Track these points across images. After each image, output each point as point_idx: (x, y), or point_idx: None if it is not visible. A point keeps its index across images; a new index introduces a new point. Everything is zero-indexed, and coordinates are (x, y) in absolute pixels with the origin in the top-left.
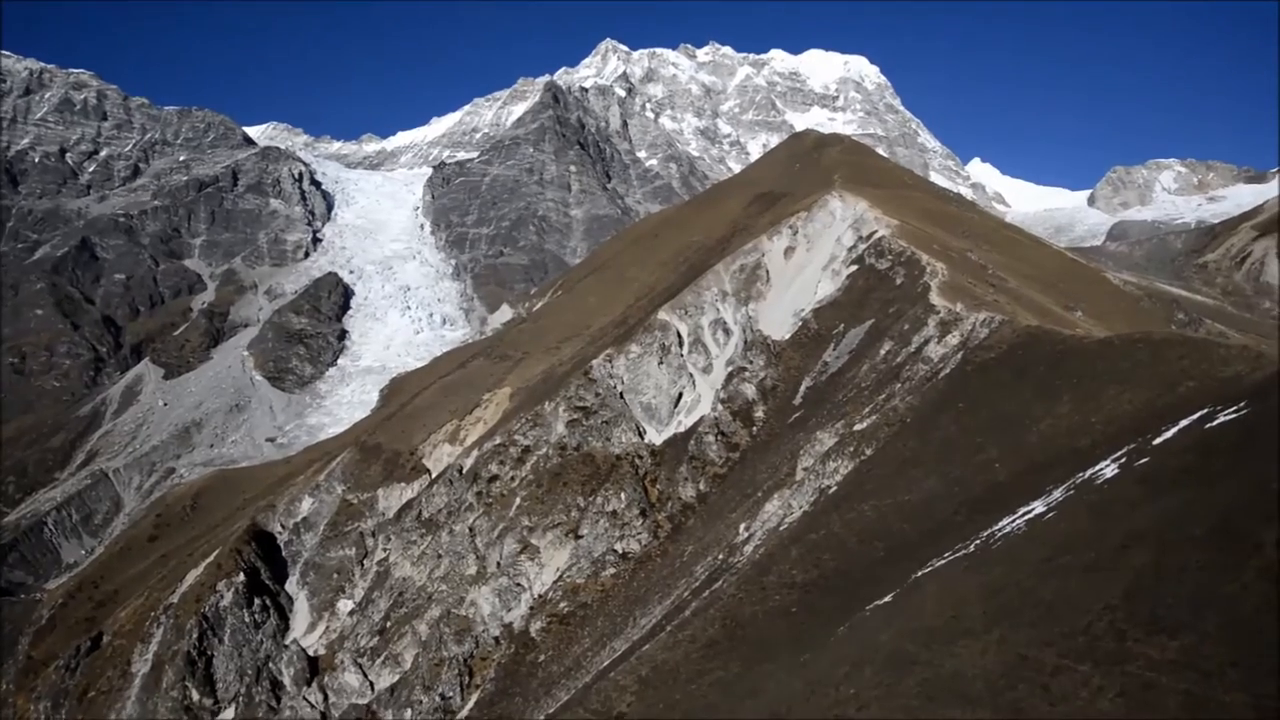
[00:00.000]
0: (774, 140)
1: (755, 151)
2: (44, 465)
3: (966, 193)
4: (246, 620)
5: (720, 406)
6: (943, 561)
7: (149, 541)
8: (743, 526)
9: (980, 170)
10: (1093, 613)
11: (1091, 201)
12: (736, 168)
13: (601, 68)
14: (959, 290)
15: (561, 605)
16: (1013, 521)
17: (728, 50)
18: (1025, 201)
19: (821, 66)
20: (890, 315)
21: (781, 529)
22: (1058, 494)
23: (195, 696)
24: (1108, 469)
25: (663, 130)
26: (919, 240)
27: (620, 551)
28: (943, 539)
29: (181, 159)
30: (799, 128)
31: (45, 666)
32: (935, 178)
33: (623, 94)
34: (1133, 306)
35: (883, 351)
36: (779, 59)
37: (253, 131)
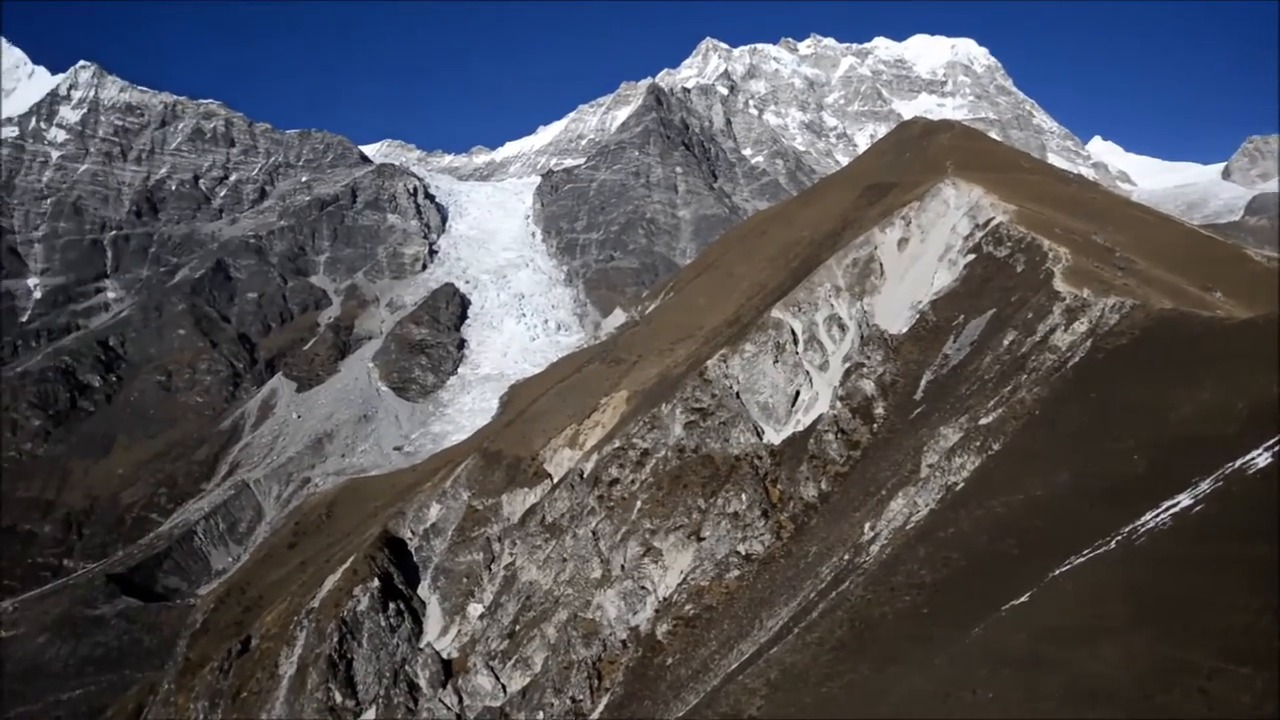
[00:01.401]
0: (881, 130)
1: (862, 143)
2: (191, 477)
3: (1088, 173)
4: (382, 624)
5: (839, 404)
6: (1081, 559)
7: (289, 549)
8: (867, 526)
9: (1102, 149)
10: (1250, 612)
11: (1226, 175)
12: (844, 160)
13: (703, 67)
14: (1085, 275)
15: (687, 608)
16: (1156, 516)
17: (830, 42)
18: (1152, 179)
19: (928, 52)
20: (1012, 304)
21: (908, 528)
22: (1205, 485)
23: (338, 698)
24: (1260, 458)
25: (767, 126)
26: (1039, 225)
27: (743, 553)
28: (1080, 535)
29: (304, 179)
30: (907, 116)
31: (201, 668)
32: (1053, 159)
33: (725, 92)
34: (1277, 284)
35: (1006, 342)
36: (883, 47)
37: (369, 150)
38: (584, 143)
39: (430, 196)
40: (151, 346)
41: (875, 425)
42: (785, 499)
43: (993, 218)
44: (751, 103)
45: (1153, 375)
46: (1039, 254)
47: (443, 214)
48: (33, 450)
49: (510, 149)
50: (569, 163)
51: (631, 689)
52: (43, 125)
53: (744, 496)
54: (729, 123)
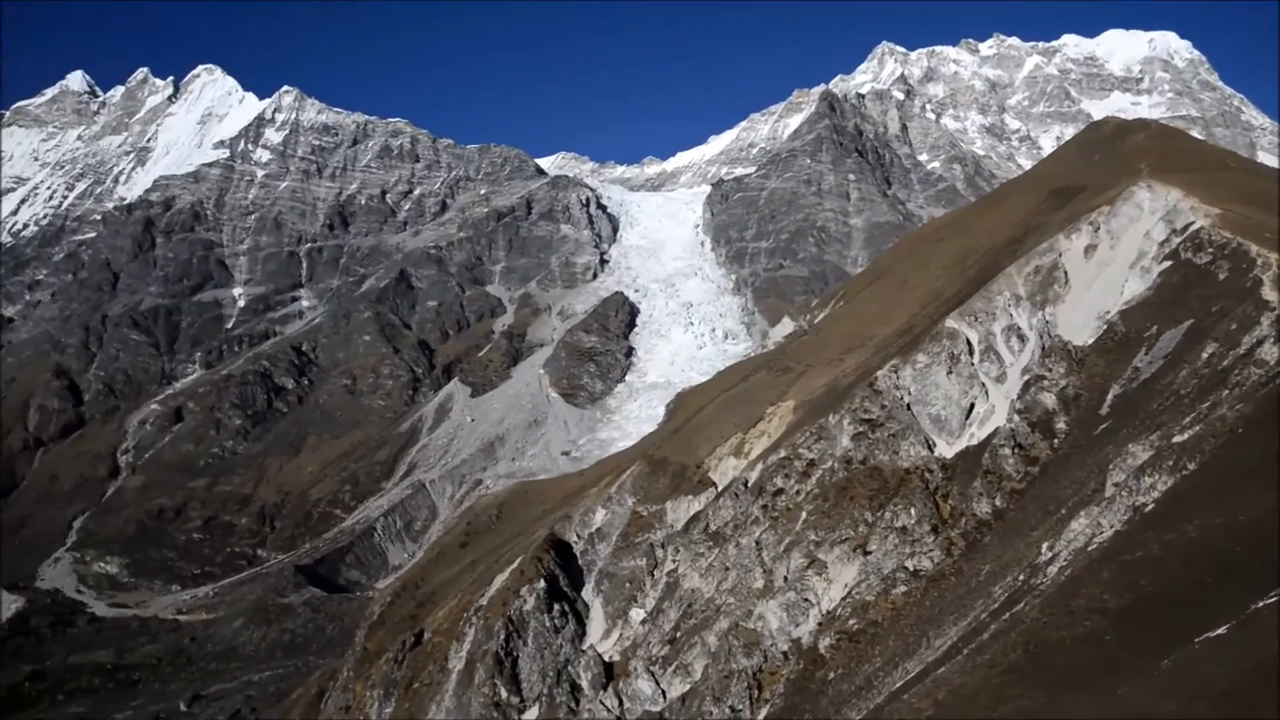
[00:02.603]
0: (1068, 132)
1: (1047, 145)
2: (373, 476)
3: None
4: (547, 625)
5: (1016, 417)
6: None
7: (460, 548)
8: (1045, 546)
9: None
10: None
11: None
12: (1026, 164)
13: (878, 72)
14: None
15: (851, 622)
16: None
17: (1014, 41)
18: None
19: (1122, 47)
20: (1213, 314)
21: (1090, 549)
22: None
23: (503, 694)
24: None
25: (945, 131)
26: (1246, 229)
27: (911, 569)
28: None
29: (482, 192)
30: (1096, 116)
31: (378, 658)
32: (1264, 158)
33: (901, 97)
34: None
35: (1205, 355)
36: (1072, 44)
37: (544, 162)
38: (755, 151)
39: (602, 207)
40: (339, 352)
41: (1056, 441)
42: (957, 515)
43: (1192, 222)
44: (929, 107)
45: None
46: (1245, 260)
47: (614, 224)
48: (233, 448)
49: (681, 159)
50: (739, 172)
51: (791, 701)
52: (250, 147)
53: (913, 511)
54: (904, 128)
